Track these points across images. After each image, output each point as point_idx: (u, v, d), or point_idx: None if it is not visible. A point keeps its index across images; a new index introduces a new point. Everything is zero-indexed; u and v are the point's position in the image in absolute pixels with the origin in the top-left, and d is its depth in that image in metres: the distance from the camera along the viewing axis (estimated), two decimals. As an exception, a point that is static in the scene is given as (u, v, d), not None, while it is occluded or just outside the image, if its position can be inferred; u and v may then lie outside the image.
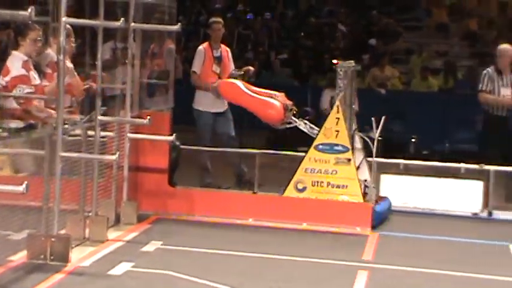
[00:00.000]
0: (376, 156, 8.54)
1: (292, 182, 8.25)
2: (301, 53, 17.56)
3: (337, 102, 8.29)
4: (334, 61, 8.68)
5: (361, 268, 6.53)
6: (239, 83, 8.82)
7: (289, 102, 8.62)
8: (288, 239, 7.53)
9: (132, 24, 7.76)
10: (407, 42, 17.72)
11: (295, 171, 8.29)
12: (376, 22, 18.32)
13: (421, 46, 17.06)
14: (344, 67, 8.47)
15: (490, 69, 9.73)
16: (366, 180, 8.36)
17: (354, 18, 18.57)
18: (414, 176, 9.15)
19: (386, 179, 9.07)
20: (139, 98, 8.12)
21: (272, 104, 8.53)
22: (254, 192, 9.11)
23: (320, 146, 8.24)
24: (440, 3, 18.36)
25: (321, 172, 8.17)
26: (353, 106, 8.75)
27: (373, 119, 8.60)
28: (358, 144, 8.57)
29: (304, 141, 13.45)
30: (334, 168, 8.13)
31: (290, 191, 8.24)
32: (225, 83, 8.99)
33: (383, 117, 8.59)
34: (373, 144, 8.47)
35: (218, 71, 9.59)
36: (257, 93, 8.71)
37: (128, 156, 7.78)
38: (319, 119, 13.51)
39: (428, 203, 8.93)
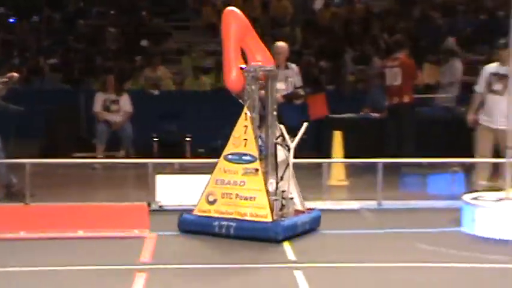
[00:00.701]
0: (156, 157, 8.21)
1: (204, 194, 7.76)
2: (72, 57, 17.16)
3: (245, 109, 7.69)
4: (242, 66, 7.80)
5: (139, 270, 6.48)
6: (244, 23, 7.94)
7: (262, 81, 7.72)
8: (63, 249, 7.29)
9: None
10: (178, 42, 17.92)
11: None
12: (147, 23, 18.34)
13: (191, 46, 17.32)
14: (251, 72, 7.74)
15: None
16: (283, 192, 7.78)
17: (124, 20, 18.45)
18: (191, 174, 9.24)
19: (162, 179, 9.09)
20: None
21: (239, 71, 7.74)
22: (26, 204, 8.76)
23: (229, 156, 7.70)
24: (209, 3, 18.75)
25: (230, 183, 7.65)
26: (274, 113, 7.84)
27: (282, 126, 7.88)
28: (281, 153, 7.92)
29: (80, 147, 13.27)
30: (242, 179, 7.60)
31: (202, 204, 7.76)
32: (232, 12, 7.97)
33: (304, 124, 7.88)
34: (289, 152, 7.83)
35: (-24, 80, 9.14)
36: (249, 44, 7.90)
37: None
38: (92, 121, 13.40)
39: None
